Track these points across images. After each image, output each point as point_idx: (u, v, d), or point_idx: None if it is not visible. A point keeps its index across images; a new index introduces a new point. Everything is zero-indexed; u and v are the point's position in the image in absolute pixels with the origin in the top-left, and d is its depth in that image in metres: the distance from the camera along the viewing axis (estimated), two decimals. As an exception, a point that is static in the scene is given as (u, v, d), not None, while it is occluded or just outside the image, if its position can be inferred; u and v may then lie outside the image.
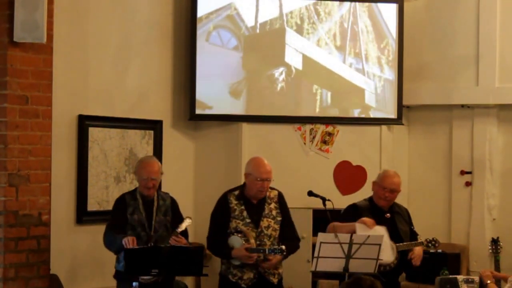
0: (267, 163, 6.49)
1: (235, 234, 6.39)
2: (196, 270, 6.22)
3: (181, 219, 6.55)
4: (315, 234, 7.09)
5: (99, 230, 6.65)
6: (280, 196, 6.61)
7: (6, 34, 6.36)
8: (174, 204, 6.69)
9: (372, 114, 8.57)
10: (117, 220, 6.46)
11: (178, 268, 6.12)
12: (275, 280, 6.47)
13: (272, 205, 6.54)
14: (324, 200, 6.42)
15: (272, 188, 6.61)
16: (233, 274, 6.42)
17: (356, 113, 8.55)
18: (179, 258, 6.09)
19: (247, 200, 6.50)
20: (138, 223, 6.47)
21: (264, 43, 8.38)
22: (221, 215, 6.49)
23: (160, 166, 6.63)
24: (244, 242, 6.33)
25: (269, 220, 6.48)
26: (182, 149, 8.32)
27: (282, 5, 8.35)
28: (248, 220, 6.43)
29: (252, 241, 6.34)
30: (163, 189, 6.80)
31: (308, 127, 8.43)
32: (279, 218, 6.51)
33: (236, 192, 6.53)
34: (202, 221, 7.63)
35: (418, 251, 6.58)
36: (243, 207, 6.47)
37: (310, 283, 7.97)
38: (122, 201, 6.56)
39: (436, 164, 8.93)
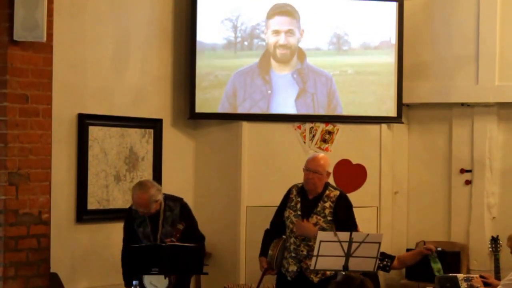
0: (320, 158, 6.59)
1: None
2: (197, 268, 6.23)
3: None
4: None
5: (99, 228, 6.65)
6: (340, 198, 6.58)
7: (6, 33, 6.34)
8: (183, 210, 6.59)
9: (372, 113, 8.56)
10: (129, 235, 6.54)
11: (178, 266, 6.12)
12: (315, 279, 6.50)
13: (327, 204, 6.54)
14: (324, 199, 6.45)
15: (335, 188, 6.65)
16: (283, 265, 6.60)
17: (356, 112, 8.53)
18: (180, 256, 6.10)
19: (305, 194, 6.60)
20: (143, 235, 6.49)
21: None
22: (281, 204, 6.72)
23: (152, 194, 6.37)
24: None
25: (319, 217, 6.49)
26: (182, 148, 8.31)
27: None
28: (299, 213, 6.56)
29: (274, 251, 6.56)
30: (163, 189, 6.71)
31: (308, 125, 8.42)
32: (329, 218, 6.49)
33: (300, 185, 6.68)
34: (202, 220, 7.62)
35: None
36: (299, 199, 6.60)
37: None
38: (128, 214, 6.59)
39: (435, 163, 8.91)
